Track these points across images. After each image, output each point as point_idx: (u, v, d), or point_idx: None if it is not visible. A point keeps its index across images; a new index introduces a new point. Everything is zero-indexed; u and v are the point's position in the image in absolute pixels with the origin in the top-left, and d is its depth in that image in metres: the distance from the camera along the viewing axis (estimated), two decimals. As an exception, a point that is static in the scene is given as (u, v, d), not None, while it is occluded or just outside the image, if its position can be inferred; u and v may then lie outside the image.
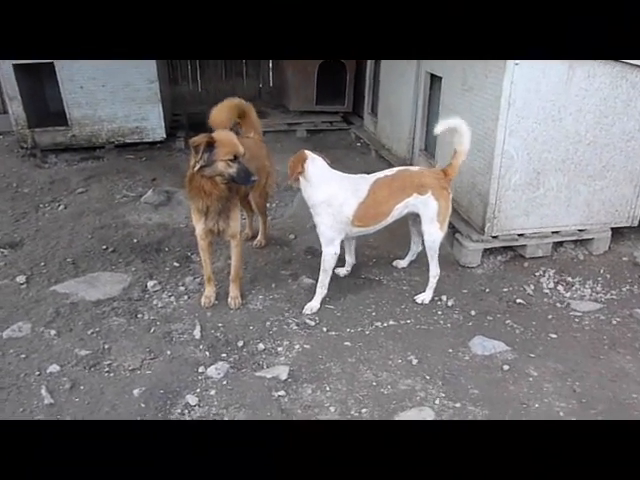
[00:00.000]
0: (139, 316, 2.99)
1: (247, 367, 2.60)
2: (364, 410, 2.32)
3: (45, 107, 5.84)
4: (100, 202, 4.45)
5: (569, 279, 3.32)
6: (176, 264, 3.52)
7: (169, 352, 2.69)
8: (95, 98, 5.26)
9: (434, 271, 3.08)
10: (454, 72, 3.59)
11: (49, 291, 3.18)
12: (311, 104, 6.09)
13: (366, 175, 3.02)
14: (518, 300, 3.14)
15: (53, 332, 2.81)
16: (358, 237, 3.24)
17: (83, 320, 2.92)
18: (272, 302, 3.13)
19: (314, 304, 3.02)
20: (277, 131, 5.97)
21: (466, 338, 2.81)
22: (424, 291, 3.12)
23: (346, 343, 2.77)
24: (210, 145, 2.61)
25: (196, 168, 2.64)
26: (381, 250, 3.69)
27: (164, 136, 5.61)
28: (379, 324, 2.94)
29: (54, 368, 2.54)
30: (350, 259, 3.38)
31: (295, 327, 2.91)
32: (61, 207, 4.36)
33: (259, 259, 3.59)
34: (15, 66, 5.02)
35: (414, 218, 3.15)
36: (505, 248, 3.51)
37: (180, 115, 6.43)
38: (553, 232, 3.42)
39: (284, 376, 2.51)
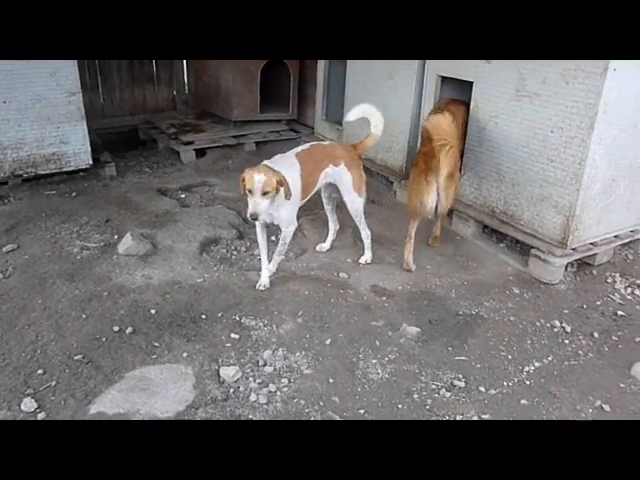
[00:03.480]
0: (248, 423, 2.17)
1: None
2: None
3: None
4: (55, 261, 3.24)
5: (638, 282, 3.35)
6: (234, 335, 2.69)
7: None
8: (-6, 119, 3.85)
9: (365, 233, 3.33)
10: (497, 77, 3.33)
11: (90, 416, 2.15)
12: (255, 112, 5.33)
13: (285, 153, 3.08)
14: (619, 312, 3.04)
15: None
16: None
17: (181, 451, 2.01)
18: (394, 366, 2.54)
19: (263, 279, 3.07)
20: (223, 146, 5.12)
21: (622, 367, 2.60)
22: (364, 254, 3.38)
23: (523, 402, 2.35)
24: None
25: None
26: (450, 278, 3.30)
27: (90, 162, 4.39)
28: (527, 369, 2.57)
29: None
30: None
31: (448, 393, 2.39)
32: (-1, 276, 3.08)
33: (332, 310, 2.92)
34: None
35: (328, 197, 3.37)
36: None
37: (89, 133, 5.11)
38: (614, 236, 3.40)
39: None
